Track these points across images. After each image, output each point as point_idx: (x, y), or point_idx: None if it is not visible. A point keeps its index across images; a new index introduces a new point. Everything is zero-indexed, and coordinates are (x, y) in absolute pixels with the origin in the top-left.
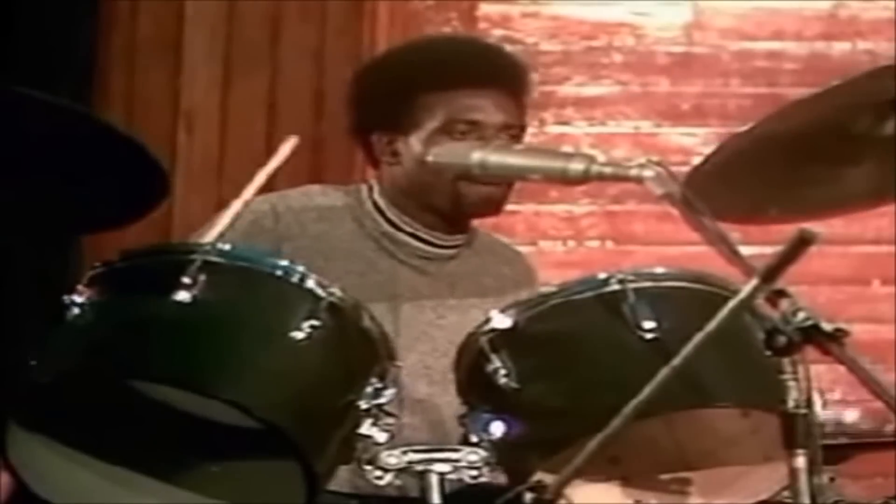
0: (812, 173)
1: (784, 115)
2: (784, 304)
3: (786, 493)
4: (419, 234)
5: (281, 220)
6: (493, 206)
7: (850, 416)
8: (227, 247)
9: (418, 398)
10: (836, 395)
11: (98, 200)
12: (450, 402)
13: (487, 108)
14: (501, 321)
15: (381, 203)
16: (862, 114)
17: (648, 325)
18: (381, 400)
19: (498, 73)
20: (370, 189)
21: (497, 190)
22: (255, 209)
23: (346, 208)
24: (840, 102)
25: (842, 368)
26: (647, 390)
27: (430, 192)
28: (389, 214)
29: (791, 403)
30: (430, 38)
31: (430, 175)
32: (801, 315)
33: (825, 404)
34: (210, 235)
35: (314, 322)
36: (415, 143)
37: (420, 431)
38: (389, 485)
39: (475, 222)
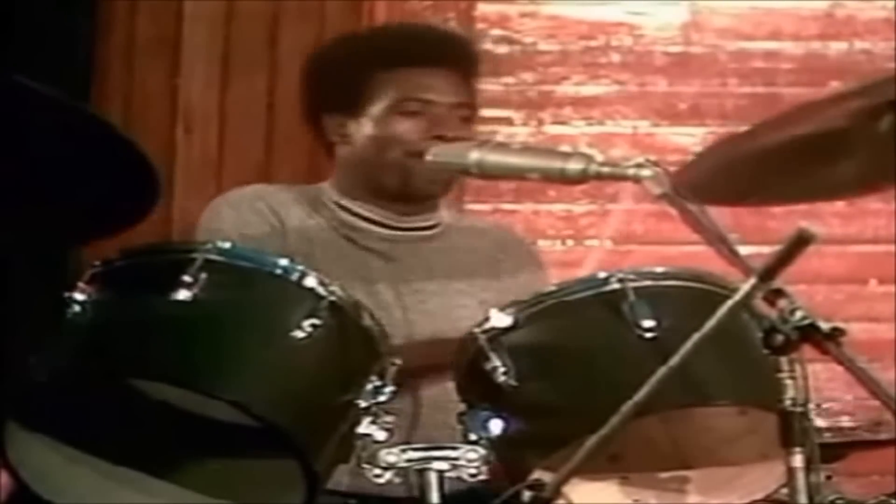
0: (799, 163)
1: (779, 122)
2: (782, 303)
3: (783, 491)
4: (376, 217)
5: (269, 199)
6: (442, 185)
7: (847, 422)
8: (227, 245)
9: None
10: (833, 402)
11: (92, 203)
12: (435, 393)
13: (439, 87)
14: (501, 320)
15: (336, 196)
16: (860, 115)
17: (648, 324)
18: (381, 398)
19: (448, 53)
20: (327, 186)
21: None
22: (244, 198)
23: (309, 203)
24: (839, 109)
25: (839, 367)
26: (645, 389)
27: (380, 172)
28: (345, 203)
29: (788, 402)
30: (380, 24)
31: (380, 151)
32: (798, 314)
33: (822, 413)
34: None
35: (315, 321)
36: (365, 122)
37: (403, 419)
38: (389, 483)
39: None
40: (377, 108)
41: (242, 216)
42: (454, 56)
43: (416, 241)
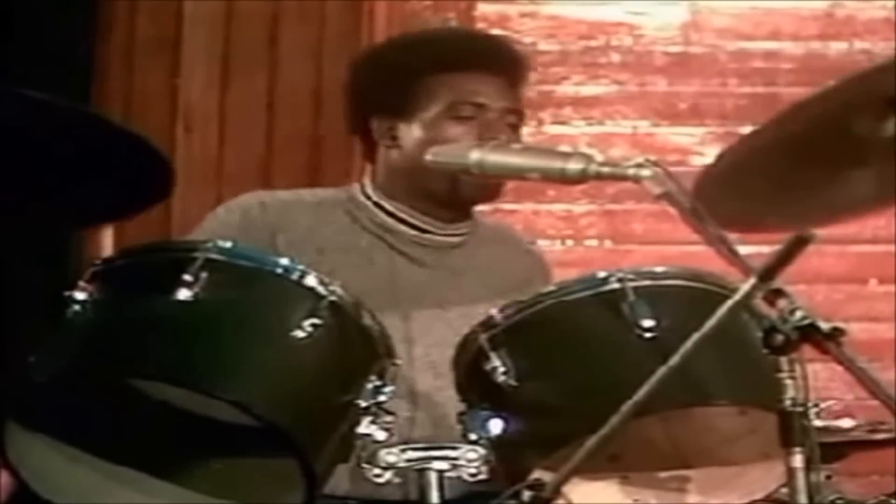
0: (814, 178)
1: (785, 118)
2: (782, 302)
3: (783, 491)
4: (414, 221)
5: (269, 211)
6: (491, 192)
7: (846, 423)
8: (228, 245)
9: (423, 391)
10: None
11: (101, 197)
12: (454, 396)
13: (491, 92)
14: (501, 319)
15: (375, 195)
16: (861, 113)
17: (647, 323)
18: (381, 398)
19: (500, 60)
20: (362, 186)
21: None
22: (242, 204)
23: (338, 203)
24: (840, 102)
25: (839, 367)
26: (645, 388)
27: (429, 176)
28: (386, 205)
29: (788, 402)
30: (430, 28)
31: None
32: (798, 314)
33: (822, 413)
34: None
35: (315, 320)
36: (416, 126)
37: (425, 425)
38: (389, 483)
39: (480, 212)
40: (430, 112)
41: (239, 219)
42: (505, 62)
43: (447, 247)
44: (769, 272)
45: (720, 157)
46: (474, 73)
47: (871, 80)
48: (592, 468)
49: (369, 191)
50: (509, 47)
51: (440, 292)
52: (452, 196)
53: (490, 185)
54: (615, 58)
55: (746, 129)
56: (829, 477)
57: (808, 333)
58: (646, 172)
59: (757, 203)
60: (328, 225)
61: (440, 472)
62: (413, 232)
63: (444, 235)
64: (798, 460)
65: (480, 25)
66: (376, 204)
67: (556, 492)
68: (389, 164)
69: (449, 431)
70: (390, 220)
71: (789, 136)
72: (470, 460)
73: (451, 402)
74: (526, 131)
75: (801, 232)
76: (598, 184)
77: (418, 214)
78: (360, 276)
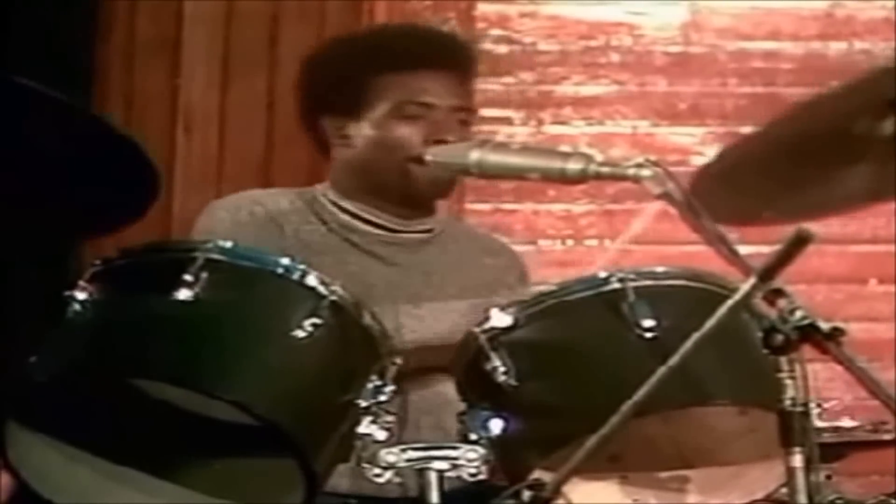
0: (810, 175)
1: (788, 118)
2: (782, 302)
3: (783, 491)
4: (377, 220)
5: (256, 217)
6: (444, 188)
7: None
8: (228, 245)
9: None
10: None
11: (93, 201)
12: (423, 396)
13: (438, 91)
14: (501, 319)
15: (333, 196)
16: (861, 114)
17: (648, 323)
18: (381, 398)
19: (448, 56)
20: (323, 186)
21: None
22: (230, 208)
23: (306, 206)
24: (843, 103)
25: (839, 367)
26: (645, 389)
27: (382, 172)
28: (344, 205)
29: (788, 401)
30: (380, 24)
31: (382, 157)
32: (798, 314)
33: (822, 414)
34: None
35: (316, 320)
36: (366, 125)
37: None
38: (389, 482)
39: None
40: (377, 111)
41: (238, 220)
42: (453, 58)
43: (415, 244)
44: (769, 272)
45: (719, 157)
46: (421, 72)
47: (872, 83)
48: (592, 468)
49: (329, 193)
50: (457, 43)
51: (412, 290)
52: (407, 192)
53: (443, 180)
54: (615, 58)
55: (746, 129)
56: (829, 477)
57: (808, 333)
58: (646, 172)
59: (752, 198)
60: (304, 227)
61: (440, 472)
62: (376, 231)
63: (409, 232)
64: (798, 460)
65: (480, 25)
66: (334, 203)
67: (556, 492)
68: (344, 162)
69: (419, 431)
70: (352, 220)
71: (789, 136)
72: (470, 460)
73: (419, 402)
74: (526, 131)
75: (799, 229)
76: (598, 184)
77: (376, 212)
78: (336, 278)
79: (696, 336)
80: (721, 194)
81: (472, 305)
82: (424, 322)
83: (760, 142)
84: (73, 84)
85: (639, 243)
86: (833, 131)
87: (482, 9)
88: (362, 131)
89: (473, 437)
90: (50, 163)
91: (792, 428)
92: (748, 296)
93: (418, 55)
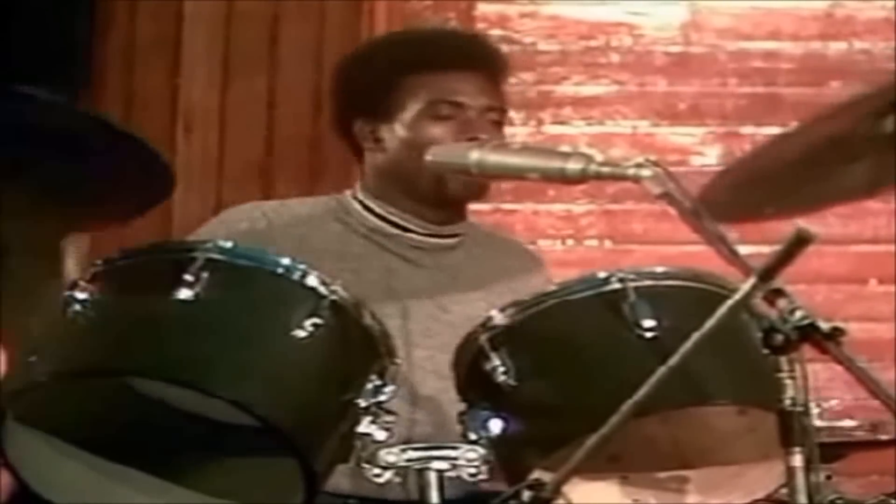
0: (812, 173)
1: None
2: (781, 302)
3: (783, 491)
4: (408, 224)
5: (273, 225)
6: (478, 192)
7: (848, 423)
8: (229, 245)
9: (427, 394)
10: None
11: (103, 198)
12: (456, 398)
13: (470, 91)
14: (501, 320)
15: (366, 200)
16: (864, 117)
17: (648, 323)
18: (381, 398)
19: (479, 57)
20: (353, 191)
21: None
22: (247, 216)
23: (328, 212)
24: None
25: (839, 367)
26: (645, 389)
27: (415, 177)
28: (375, 208)
29: (788, 401)
30: (411, 28)
31: (414, 159)
32: (798, 314)
33: (822, 413)
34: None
35: (316, 320)
36: (398, 127)
37: (427, 427)
38: (389, 482)
39: (475, 212)
40: (409, 112)
41: (256, 228)
42: (483, 59)
43: (443, 249)
44: (769, 272)
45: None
46: (452, 72)
47: (880, 90)
48: (592, 468)
49: (360, 195)
50: (487, 44)
51: (439, 294)
52: (440, 196)
53: (476, 184)
54: (615, 58)
55: (746, 129)
56: (829, 477)
57: (808, 333)
58: (646, 172)
59: (754, 196)
60: (318, 233)
61: (440, 471)
62: (406, 234)
63: (439, 237)
64: (798, 460)
65: (480, 25)
66: (366, 207)
67: (556, 492)
68: (375, 166)
69: (450, 434)
70: (382, 224)
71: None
72: (470, 460)
73: (453, 404)
74: (526, 131)
75: (799, 229)
76: (598, 184)
77: (408, 216)
78: (355, 282)
79: (696, 336)
80: (726, 198)
81: (494, 305)
82: (453, 326)
83: (773, 149)
84: (72, 84)
85: (639, 243)
86: (837, 133)
87: (482, 9)
88: (395, 134)
89: (473, 437)
90: (60, 164)
91: (792, 428)
92: (748, 296)
93: (450, 56)
